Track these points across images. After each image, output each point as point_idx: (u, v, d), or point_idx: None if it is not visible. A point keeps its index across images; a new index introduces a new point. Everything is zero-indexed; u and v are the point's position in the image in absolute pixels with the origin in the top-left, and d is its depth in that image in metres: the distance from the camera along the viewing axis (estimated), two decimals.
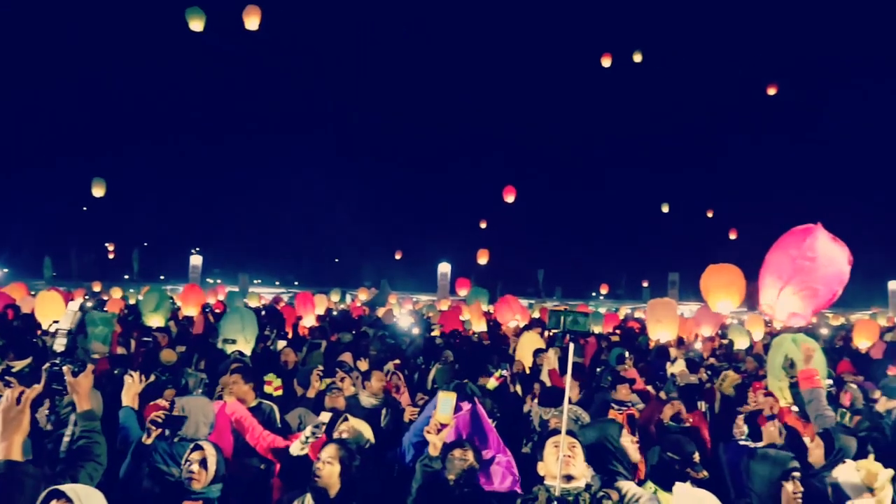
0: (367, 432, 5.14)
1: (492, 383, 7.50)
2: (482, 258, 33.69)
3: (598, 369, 10.40)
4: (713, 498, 3.55)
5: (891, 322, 26.10)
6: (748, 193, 55.65)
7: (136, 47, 52.44)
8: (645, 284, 50.52)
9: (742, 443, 5.89)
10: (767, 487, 4.32)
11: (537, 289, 49.05)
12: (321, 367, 7.27)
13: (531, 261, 54.20)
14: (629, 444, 4.68)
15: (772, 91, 28.00)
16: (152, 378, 6.57)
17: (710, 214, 44.34)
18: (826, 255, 5.64)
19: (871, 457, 4.22)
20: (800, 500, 4.14)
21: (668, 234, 58.70)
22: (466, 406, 4.77)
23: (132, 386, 4.81)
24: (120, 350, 9.59)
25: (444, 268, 38.10)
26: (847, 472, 3.92)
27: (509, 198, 29.25)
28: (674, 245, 55.21)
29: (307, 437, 4.65)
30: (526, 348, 10.17)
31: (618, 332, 17.82)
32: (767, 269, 5.92)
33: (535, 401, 7.22)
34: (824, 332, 19.77)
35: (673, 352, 10.73)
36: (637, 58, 26.33)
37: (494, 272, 40.98)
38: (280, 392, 7.37)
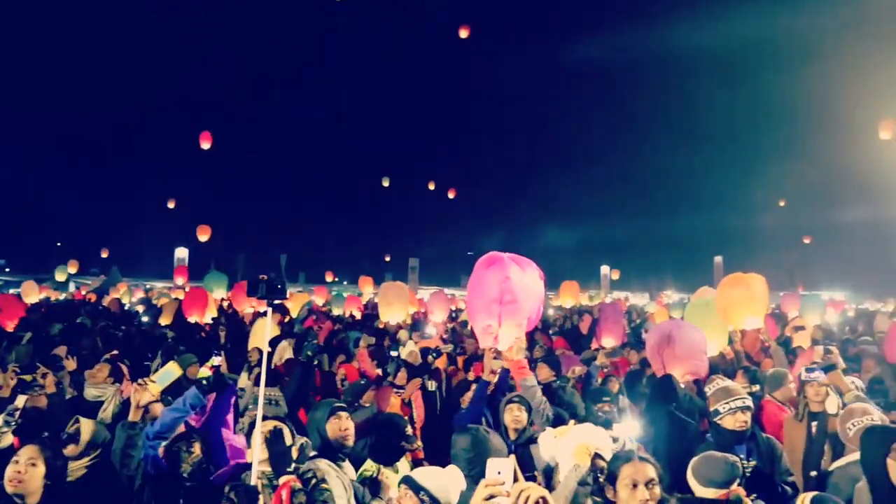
0: (103, 430, 4.85)
1: (204, 372, 7.43)
2: (202, 235, 32.04)
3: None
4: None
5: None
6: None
7: None
8: (387, 258, 51.69)
9: None
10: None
11: (279, 273, 48.17)
12: (17, 365, 6.68)
13: (274, 245, 53.41)
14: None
15: (464, 33, 29.11)
16: None
17: (451, 195, 46.12)
18: (523, 287, 5.96)
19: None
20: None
21: (410, 219, 60.91)
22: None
23: None
24: None
25: (182, 252, 36.28)
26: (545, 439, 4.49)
27: (205, 144, 27.49)
28: (415, 230, 57.46)
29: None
30: (261, 335, 10.02)
31: (356, 314, 18.24)
32: (475, 311, 6.13)
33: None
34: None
35: (403, 335, 11.20)
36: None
37: (235, 257, 39.85)
38: None
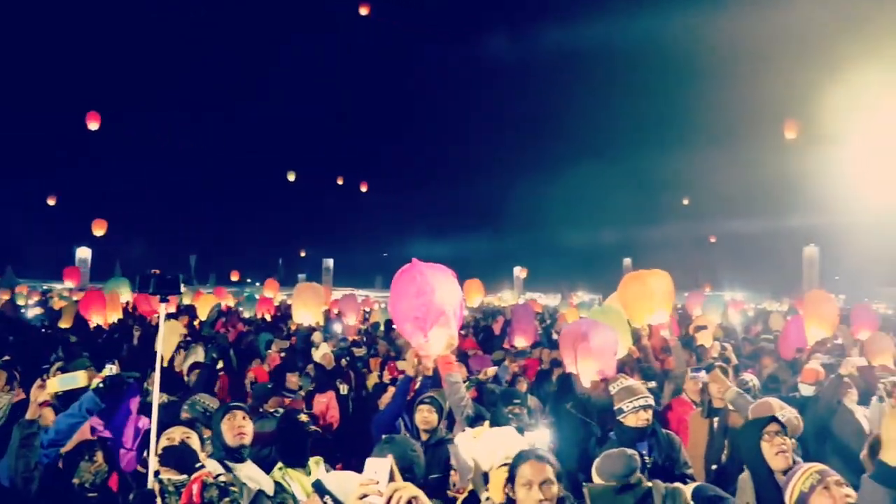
0: None
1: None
2: (98, 230, 30.80)
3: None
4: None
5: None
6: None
7: None
8: (302, 253, 50.98)
9: None
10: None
11: (189, 275, 47.00)
12: None
13: (184, 245, 51.87)
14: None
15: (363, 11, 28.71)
16: None
17: (364, 188, 45.81)
18: (437, 283, 6.01)
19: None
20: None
21: (325, 220, 60.31)
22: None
23: None
24: None
25: (84, 253, 34.85)
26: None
27: (93, 125, 26.47)
28: (330, 231, 56.93)
29: None
30: (167, 339, 9.70)
31: (268, 317, 17.94)
32: (399, 316, 6.15)
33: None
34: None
35: (317, 336, 11.08)
36: None
37: (144, 258, 38.55)
38: None
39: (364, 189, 44.14)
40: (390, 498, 2.00)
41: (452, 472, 4.36)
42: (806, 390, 7.08)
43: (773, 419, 4.08)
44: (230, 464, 4.04)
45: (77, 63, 50.10)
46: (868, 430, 5.88)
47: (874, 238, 33.41)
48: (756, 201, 56.03)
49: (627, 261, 38.27)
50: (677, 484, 2.75)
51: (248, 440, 4.31)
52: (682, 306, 20.37)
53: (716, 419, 5.75)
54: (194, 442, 3.85)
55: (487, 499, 3.47)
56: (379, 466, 2.12)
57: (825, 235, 34.68)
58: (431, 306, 5.77)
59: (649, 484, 3.12)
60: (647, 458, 4.63)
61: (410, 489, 2.03)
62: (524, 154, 75.07)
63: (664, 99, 64.08)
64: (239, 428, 4.28)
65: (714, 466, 5.51)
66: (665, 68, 62.84)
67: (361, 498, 2.05)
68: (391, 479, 2.09)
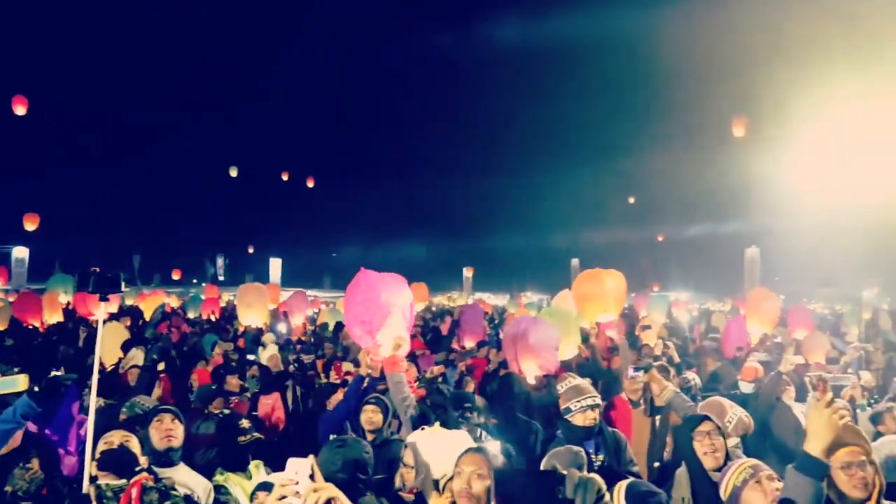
0: None
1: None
2: (29, 224, 29.77)
3: None
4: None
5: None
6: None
7: None
8: (251, 249, 50.30)
9: None
10: None
11: (133, 275, 45.87)
12: None
13: (127, 244, 50.48)
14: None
15: None
16: None
17: (310, 183, 44.90)
18: (386, 287, 6.04)
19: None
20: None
21: (274, 220, 59.59)
22: None
23: None
24: None
25: (21, 252, 33.71)
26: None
27: (19, 109, 25.23)
28: (275, 230, 56.24)
29: None
30: (109, 342, 9.44)
31: (213, 318, 17.64)
32: (356, 320, 6.17)
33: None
34: None
35: (268, 337, 10.95)
36: None
37: (84, 258, 37.46)
38: None
39: (310, 184, 43.49)
40: (308, 498, 2.00)
41: (404, 472, 4.32)
42: (746, 388, 7.28)
43: (706, 418, 4.16)
44: (157, 469, 3.90)
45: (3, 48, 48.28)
46: (805, 425, 6.03)
47: (812, 240, 34.50)
48: (701, 204, 57.25)
49: (575, 262, 38.71)
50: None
51: (176, 443, 4.16)
52: (628, 306, 20.68)
53: (658, 417, 5.85)
54: (134, 445, 3.75)
55: None
56: (299, 466, 2.09)
57: (766, 238, 35.59)
58: (377, 310, 5.78)
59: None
60: (594, 456, 4.69)
61: (329, 490, 2.02)
62: (474, 156, 75.48)
63: (612, 101, 65.01)
64: (167, 431, 4.13)
65: (657, 464, 5.60)
66: (612, 71, 63.72)
67: (280, 499, 2.02)
68: (312, 478, 2.07)
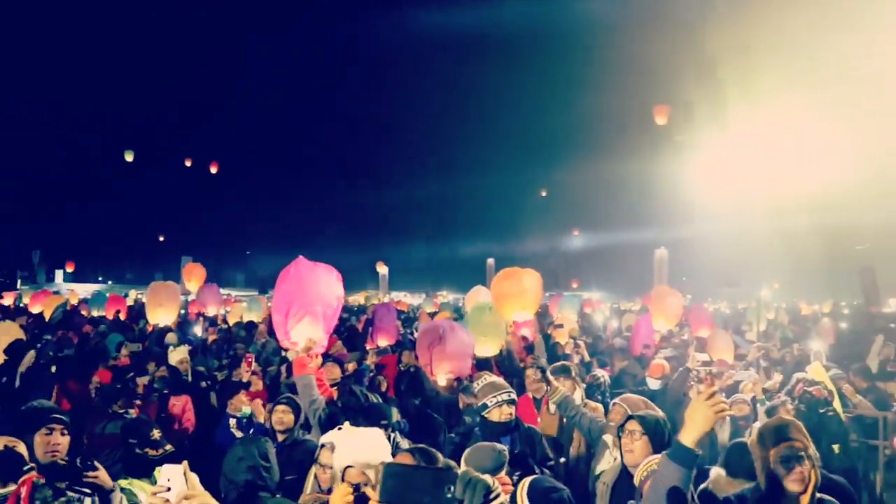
0: None
1: None
2: None
3: None
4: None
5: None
6: None
7: None
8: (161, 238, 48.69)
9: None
10: None
11: (32, 272, 43.66)
12: None
13: (27, 241, 47.78)
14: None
15: None
16: None
17: (213, 169, 43.44)
18: (315, 283, 5.93)
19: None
20: None
21: (185, 217, 57.87)
22: None
23: None
24: None
25: None
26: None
27: None
28: (188, 227, 54.65)
29: None
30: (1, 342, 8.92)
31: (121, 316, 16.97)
32: (278, 310, 6.06)
33: None
34: None
35: (171, 337, 10.62)
36: None
37: None
38: None
39: (214, 170, 41.52)
40: None
41: (319, 472, 4.24)
42: (653, 384, 7.51)
43: (632, 418, 4.27)
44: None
45: None
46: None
47: (718, 243, 35.93)
48: (613, 207, 58.73)
49: (490, 261, 39.06)
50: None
51: (61, 457, 3.84)
52: (542, 305, 21.03)
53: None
54: (21, 450, 3.53)
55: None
56: (172, 473, 2.04)
57: (675, 240, 36.82)
58: (298, 305, 5.69)
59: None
60: (505, 452, 4.73)
61: (202, 497, 1.98)
62: (390, 156, 75.10)
63: (528, 104, 65.76)
64: (54, 446, 3.86)
65: (563, 460, 5.72)
66: (525, 70, 64.26)
67: None
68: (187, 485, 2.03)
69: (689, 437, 2.84)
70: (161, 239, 54.71)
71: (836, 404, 6.92)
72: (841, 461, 6.16)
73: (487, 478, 2.80)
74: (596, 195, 58.58)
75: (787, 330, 17.36)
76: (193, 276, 18.60)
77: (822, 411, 6.59)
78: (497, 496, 2.76)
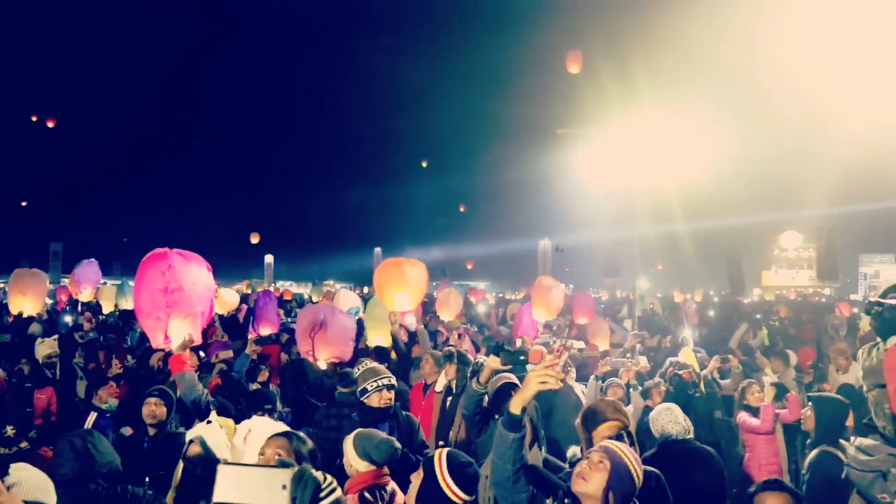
0: None
1: None
2: None
3: None
4: None
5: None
6: None
7: None
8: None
9: None
10: None
11: None
12: None
13: None
14: None
15: None
16: None
17: (50, 124, 39.72)
18: (189, 279, 5.65)
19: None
20: None
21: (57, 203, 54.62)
22: None
23: None
24: None
25: None
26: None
27: None
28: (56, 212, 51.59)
29: None
30: None
31: None
32: (142, 309, 5.71)
33: None
34: None
35: (35, 328, 10.04)
36: None
37: None
38: None
39: (50, 125, 37.38)
40: None
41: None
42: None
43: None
44: None
45: None
46: (584, 403, 6.49)
47: (600, 233, 37.19)
48: (500, 198, 59.69)
49: (378, 250, 38.93)
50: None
51: None
52: (428, 295, 21.15)
53: (449, 399, 6.05)
54: None
55: None
56: None
57: (558, 229, 37.81)
58: (178, 305, 5.42)
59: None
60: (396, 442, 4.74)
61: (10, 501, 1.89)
62: (276, 142, 73.23)
63: (408, 94, 65.24)
64: None
65: (441, 443, 5.80)
66: (411, 62, 63.85)
67: None
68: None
69: (515, 404, 2.94)
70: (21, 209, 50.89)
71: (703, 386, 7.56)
72: (707, 436, 6.65)
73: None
74: (483, 186, 59.37)
75: (662, 319, 18.19)
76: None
77: (690, 392, 7.29)
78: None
